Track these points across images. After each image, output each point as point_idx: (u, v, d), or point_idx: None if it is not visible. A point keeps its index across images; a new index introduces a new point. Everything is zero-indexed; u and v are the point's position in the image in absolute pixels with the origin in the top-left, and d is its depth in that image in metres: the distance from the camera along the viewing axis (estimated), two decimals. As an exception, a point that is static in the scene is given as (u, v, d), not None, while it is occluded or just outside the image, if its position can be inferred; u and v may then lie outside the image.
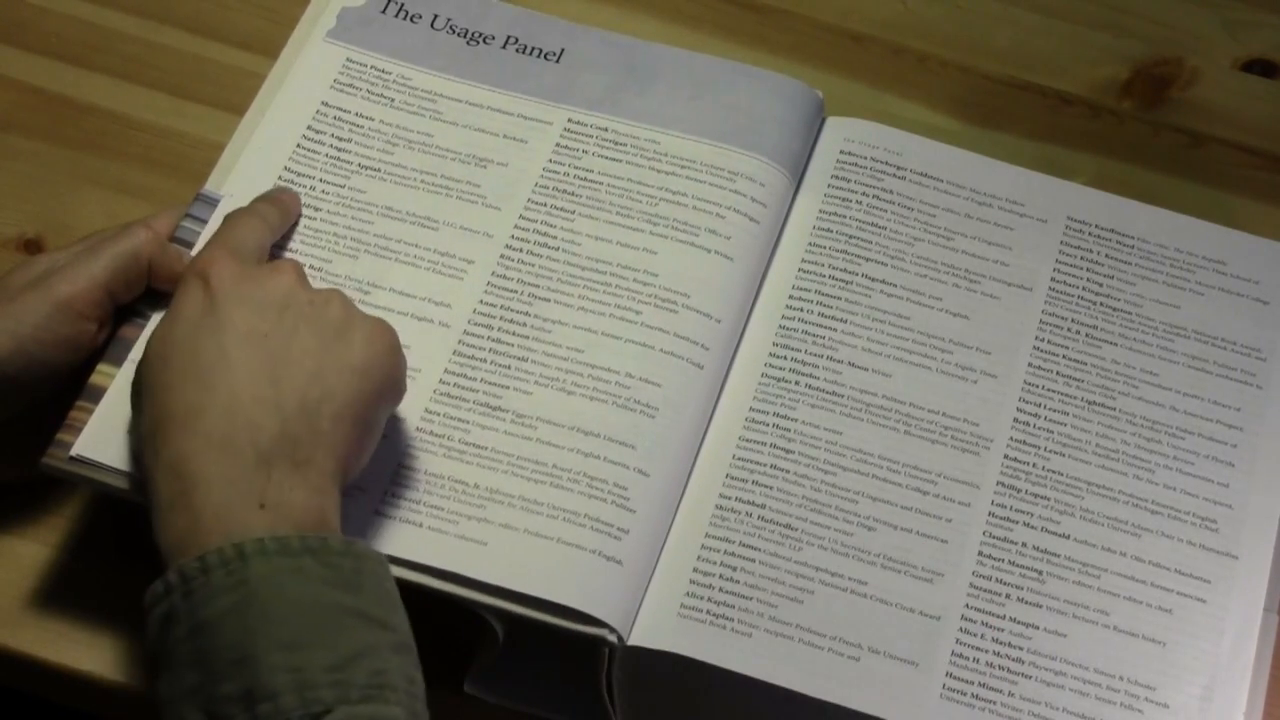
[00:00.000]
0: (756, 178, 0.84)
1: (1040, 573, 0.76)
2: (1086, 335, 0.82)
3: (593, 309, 0.80)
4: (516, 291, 0.80)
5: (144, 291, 0.76)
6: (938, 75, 0.96)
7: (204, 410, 0.66)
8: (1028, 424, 0.79)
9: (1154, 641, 0.75)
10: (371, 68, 0.87)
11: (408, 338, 0.76)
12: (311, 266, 0.80)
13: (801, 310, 0.82)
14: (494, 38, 0.88)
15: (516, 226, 0.82)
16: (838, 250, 0.83)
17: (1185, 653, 0.74)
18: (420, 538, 0.73)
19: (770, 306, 0.82)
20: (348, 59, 0.87)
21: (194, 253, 0.77)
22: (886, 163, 0.86)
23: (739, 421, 0.78)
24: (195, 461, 0.65)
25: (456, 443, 0.76)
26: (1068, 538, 0.77)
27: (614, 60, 0.88)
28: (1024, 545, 0.76)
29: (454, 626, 0.75)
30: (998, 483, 0.78)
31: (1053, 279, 0.83)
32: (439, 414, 0.77)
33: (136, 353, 0.75)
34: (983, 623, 0.74)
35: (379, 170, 0.84)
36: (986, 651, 0.74)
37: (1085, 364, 0.81)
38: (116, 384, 0.74)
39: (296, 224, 0.81)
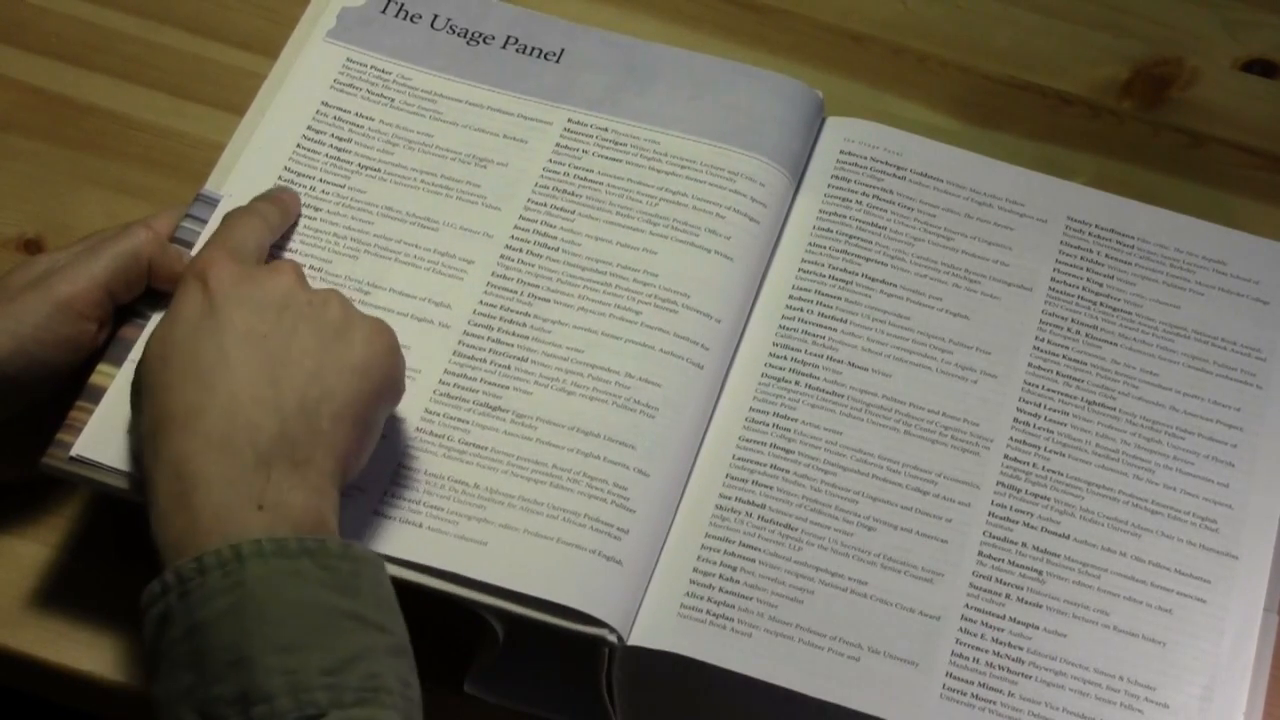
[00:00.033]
0: (756, 178, 0.84)
1: (1040, 573, 0.76)
2: (1086, 335, 0.82)
3: (593, 309, 0.80)
4: (516, 292, 0.80)
5: (144, 292, 0.76)
6: (938, 75, 0.96)
7: (203, 411, 0.66)
8: (1028, 424, 0.79)
9: (1154, 641, 0.75)
10: (371, 68, 0.87)
11: (408, 338, 0.76)
12: (311, 267, 0.80)
13: (801, 310, 0.82)
14: (494, 38, 0.88)
15: (516, 227, 0.82)
16: (838, 250, 0.83)
17: (1185, 653, 0.74)
18: (420, 538, 0.73)
19: (770, 306, 0.82)
20: (348, 59, 0.87)
21: (194, 253, 0.77)
22: (886, 163, 0.86)
23: (739, 421, 0.78)
24: (194, 462, 0.65)
25: (456, 443, 0.76)
26: (1068, 538, 0.77)
27: (614, 60, 0.88)
28: (1024, 545, 0.76)
29: (454, 626, 0.75)
30: (998, 483, 0.78)
31: (1053, 279, 0.83)
32: (439, 414, 0.77)
33: (136, 353, 0.75)
34: (983, 623, 0.74)
35: (379, 170, 0.84)
36: (986, 651, 0.74)
37: (1085, 364, 0.81)
38: (116, 384, 0.74)
39: (296, 224, 0.81)
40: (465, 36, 0.88)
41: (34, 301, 0.73)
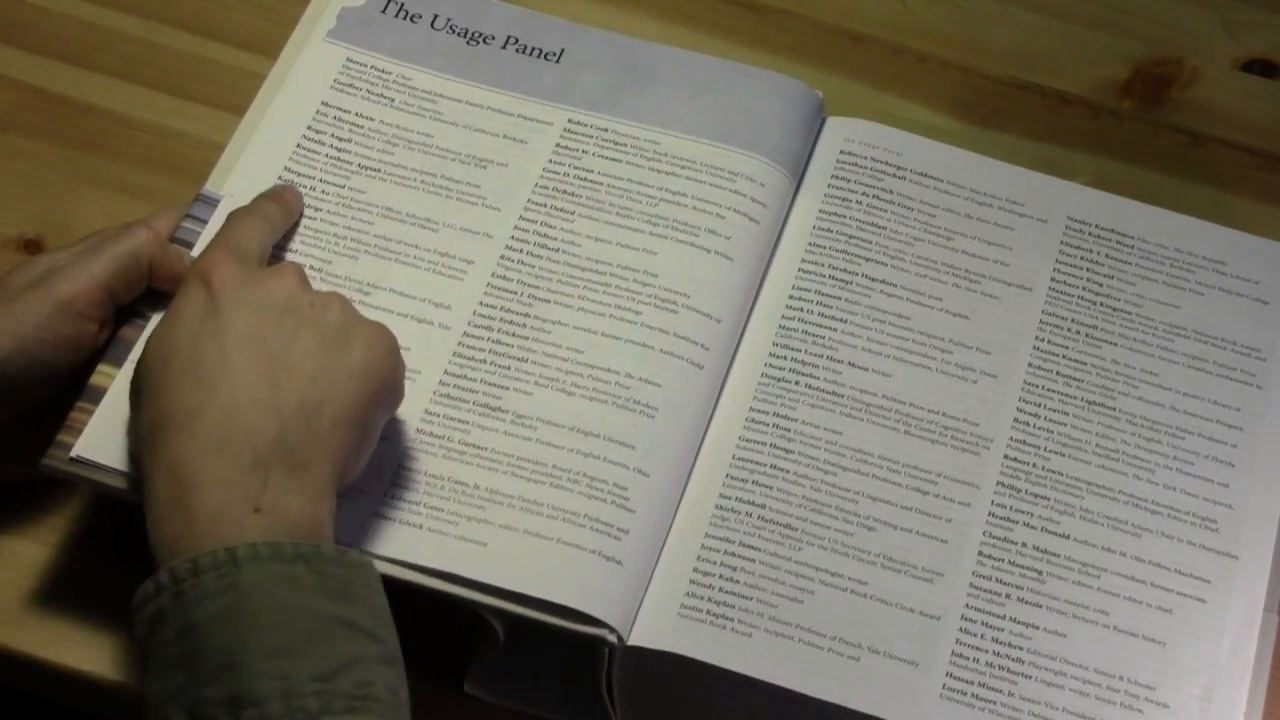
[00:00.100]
0: (756, 178, 0.84)
1: (1040, 573, 0.76)
2: (1086, 335, 0.82)
3: (593, 309, 0.80)
4: (516, 292, 0.80)
5: (144, 292, 0.76)
6: (938, 75, 0.96)
7: (203, 412, 0.66)
8: (1028, 424, 0.79)
9: (1154, 641, 0.75)
10: (371, 68, 0.87)
11: (408, 339, 0.76)
12: (311, 267, 0.80)
13: (801, 310, 0.82)
14: (494, 38, 0.88)
15: (516, 227, 0.82)
16: (838, 250, 0.83)
17: (1185, 653, 0.75)
18: (420, 539, 0.73)
19: (770, 306, 0.82)
20: (348, 59, 0.87)
21: (195, 253, 0.77)
22: (886, 163, 0.86)
23: (739, 421, 0.78)
24: (193, 463, 0.65)
25: (456, 444, 0.76)
26: (1068, 538, 0.77)
27: (614, 60, 0.88)
28: (1024, 545, 0.76)
29: (454, 626, 0.75)
30: (998, 483, 0.78)
31: (1053, 279, 0.83)
32: (439, 415, 0.77)
33: (137, 353, 0.74)
34: (983, 623, 0.74)
35: (379, 170, 0.84)
36: (986, 651, 0.74)
37: (1085, 364, 0.81)
38: (117, 385, 0.74)
39: (298, 224, 0.81)
40: (465, 36, 0.88)
41: (35, 301, 0.73)
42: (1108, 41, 0.98)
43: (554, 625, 0.71)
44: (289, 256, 0.80)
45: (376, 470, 0.74)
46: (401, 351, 0.73)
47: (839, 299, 0.82)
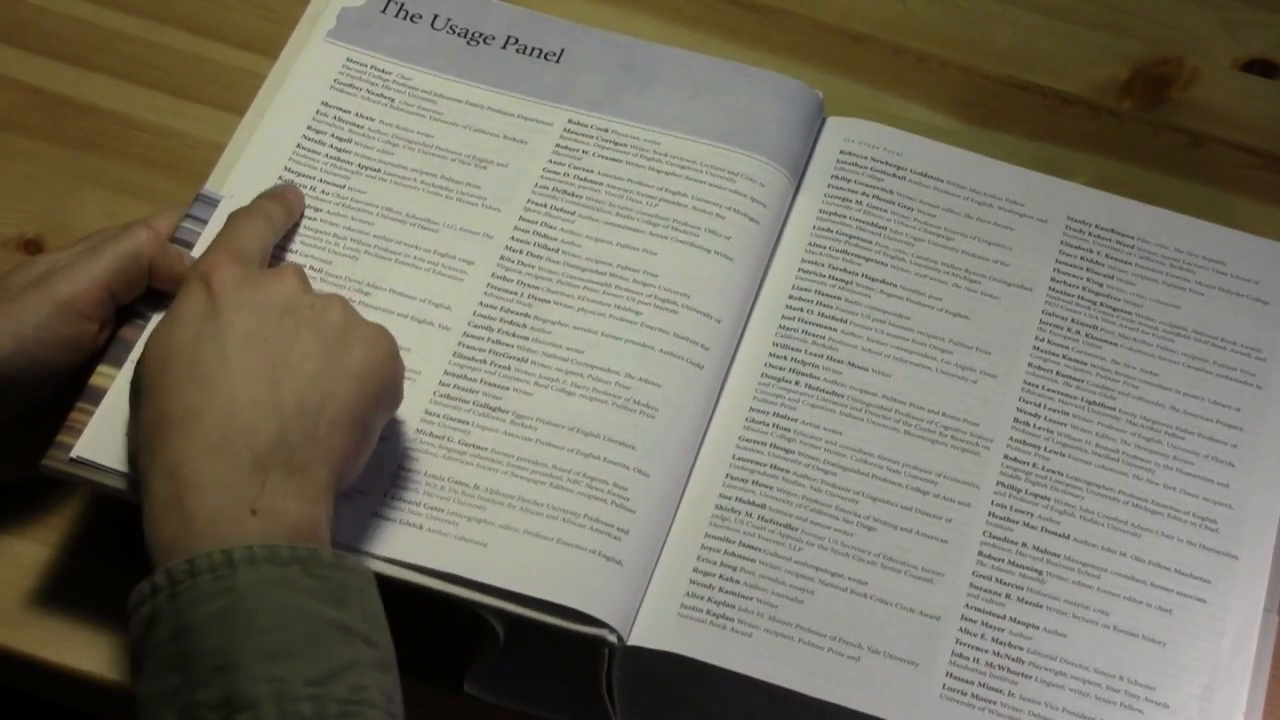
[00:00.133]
0: (756, 178, 0.84)
1: (1040, 573, 0.76)
2: (1086, 335, 0.82)
3: (593, 310, 0.80)
4: (516, 293, 0.80)
5: (144, 292, 0.76)
6: (938, 75, 0.96)
7: (202, 413, 0.66)
8: (1028, 424, 0.79)
9: (1154, 641, 0.75)
10: (371, 68, 0.87)
11: (408, 339, 0.76)
12: (311, 268, 0.80)
13: (801, 310, 0.82)
14: (494, 38, 0.88)
15: (516, 228, 0.82)
16: (838, 250, 0.83)
17: (1185, 653, 0.75)
18: (420, 539, 0.73)
19: (770, 306, 0.82)
20: (348, 59, 0.87)
21: (195, 253, 0.77)
22: (886, 163, 0.86)
23: (739, 421, 0.78)
24: (191, 464, 0.65)
25: (456, 444, 0.76)
26: (1068, 538, 0.77)
27: (614, 60, 0.88)
28: (1024, 545, 0.76)
29: (454, 626, 0.75)
30: (998, 483, 0.78)
31: (1053, 279, 0.83)
32: (439, 415, 0.77)
33: (137, 354, 0.74)
34: (983, 623, 0.74)
35: (379, 171, 0.84)
36: (986, 651, 0.74)
37: (1085, 364, 0.81)
38: (117, 385, 0.74)
39: (298, 224, 0.81)
40: (465, 36, 0.88)
41: (35, 301, 0.73)
42: (1108, 41, 0.98)
43: (554, 625, 0.71)
44: (289, 257, 0.80)
45: (376, 470, 0.74)
46: (402, 352, 0.73)
47: (839, 299, 0.82)
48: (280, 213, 0.79)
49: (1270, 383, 0.81)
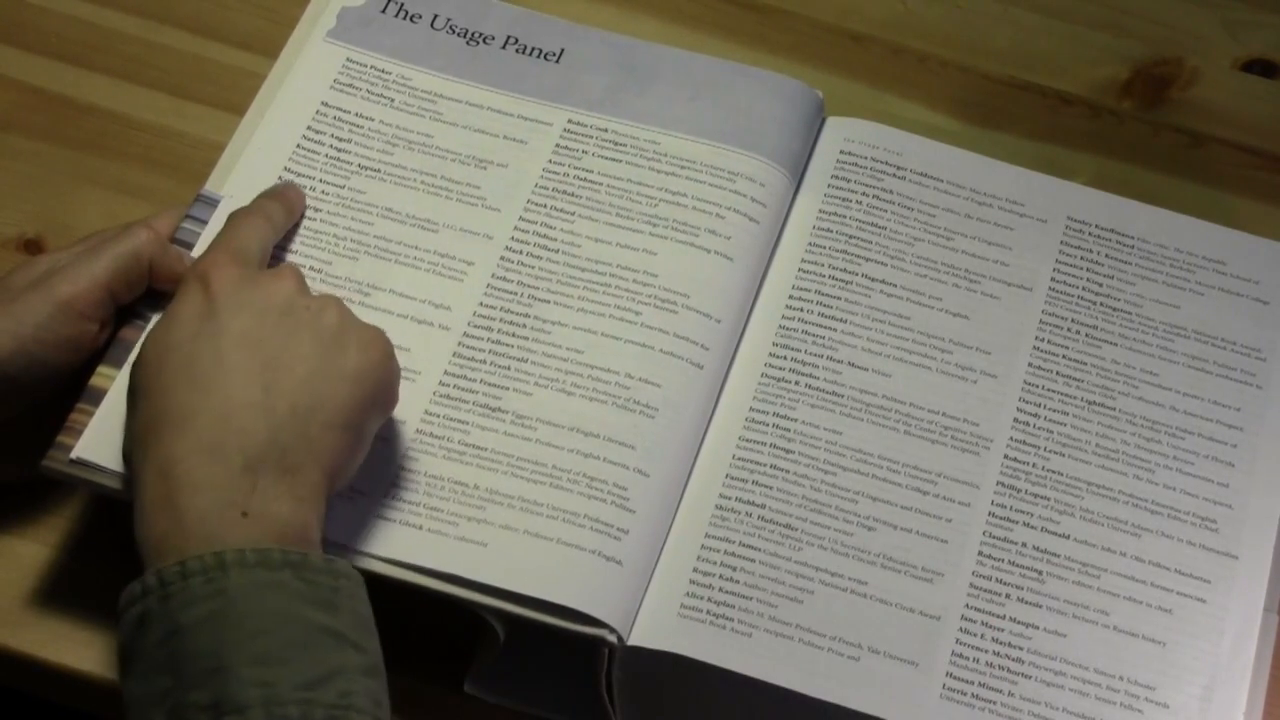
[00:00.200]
0: (756, 178, 0.84)
1: (1040, 573, 0.76)
2: (1086, 335, 0.82)
3: (593, 310, 0.80)
4: (516, 293, 0.80)
5: (144, 292, 0.76)
6: (938, 75, 0.96)
7: (197, 414, 0.66)
8: (1028, 424, 0.79)
9: (1154, 641, 0.75)
10: (371, 68, 0.87)
11: (408, 340, 0.76)
12: (311, 268, 0.80)
13: (801, 310, 0.82)
14: (494, 38, 0.88)
15: (516, 228, 0.82)
16: (838, 250, 0.83)
17: (1185, 653, 0.75)
18: (420, 539, 0.73)
19: (770, 306, 0.82)
20: (348, 59, 0.87)
21: (195, 253, 0.77)
22: (886, 163, 0.86)
23: (739, 421, 0.78)
24: (184, 464, 0.65)
25: (456, 444, 0.76)
26: (1068, 538, 0.77)
27: (614, 60, 0.88)
28: (1024, 545, 0.76)
29: (454, 626, 0.75)
30: (998, 483, 0.78)
31: (1053, 279, 0.83)
32: (439, 416, 0.77)
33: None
34: (983, 623, 0.74)
35: (379, 171, 0.84)
36: (986, 651, 0.74)
37: (1085, 364, 0.81)
38: (117, 386, 0.74)
39: (298, 224, 0.81)
40: (465, 36, 0.88)
41: (35, 302, 0.73)
42: (1108, 41, 0.98)
43: (554, 625, 0.71)
44: (289, 257, 0.80)
45: (376, 471, 0.74)
46: (401, 352, 0.73)
47: (839, 299, 0.82)
48: (281, 212, 0.79)
49: (1270, 383, 0.81)
